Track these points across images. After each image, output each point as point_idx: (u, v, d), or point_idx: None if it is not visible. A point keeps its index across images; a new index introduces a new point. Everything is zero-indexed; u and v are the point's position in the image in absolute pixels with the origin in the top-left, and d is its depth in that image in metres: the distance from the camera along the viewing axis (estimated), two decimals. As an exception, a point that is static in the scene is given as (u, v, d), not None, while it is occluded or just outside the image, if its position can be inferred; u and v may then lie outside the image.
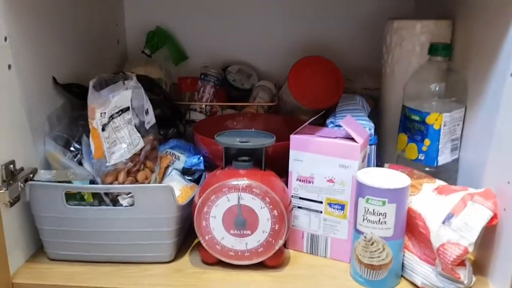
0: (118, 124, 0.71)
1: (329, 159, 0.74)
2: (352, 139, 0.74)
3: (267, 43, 1.22)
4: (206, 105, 1.08)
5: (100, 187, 0.71)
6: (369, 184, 0.68)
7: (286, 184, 0.77)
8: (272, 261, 0.74)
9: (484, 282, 0.72)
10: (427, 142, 0.83)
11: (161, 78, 1.12)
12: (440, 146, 0.82)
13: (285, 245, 0.79)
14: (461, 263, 0.68)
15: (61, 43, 0.87)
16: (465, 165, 0.86)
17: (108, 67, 1.12)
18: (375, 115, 0.97)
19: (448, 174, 0.86)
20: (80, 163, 0.79)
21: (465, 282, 0.68)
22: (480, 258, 0.76)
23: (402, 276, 0.73)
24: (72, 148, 0.81)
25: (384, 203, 0.67)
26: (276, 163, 0.78)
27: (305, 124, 0.78)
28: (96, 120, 0.67)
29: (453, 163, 0.86)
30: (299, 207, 0.78)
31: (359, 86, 1.14)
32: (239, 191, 0.71)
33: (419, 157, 0.84)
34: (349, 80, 1.14)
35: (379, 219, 0.68)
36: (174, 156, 0.86)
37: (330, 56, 1.04)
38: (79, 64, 0.94)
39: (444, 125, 0.81)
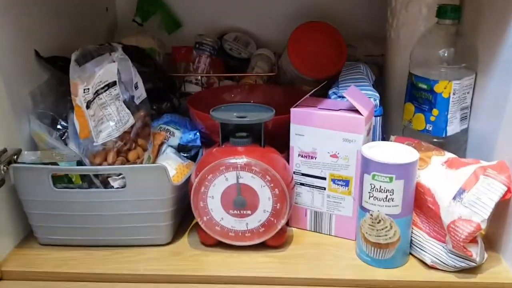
0: (105, 100, 0.66)
1: (332, 133, 0.70)
2: (357, 111, 0.69)
3: (266, 9, 1.15)
4: (202, 77, 1.03)
5: (88, 169, 0.67)
6: (375, 159, 0.63)
7: (287, 160, 0.73)
8: (274, 241, 0.71)
9: (496, 259, 0.69)
10: (435, 112, 0.78)
11: (154, 48, 1.06)
12: (449, 116, 0.78)
13: (287, 223, 0.75)
14: (473, 240, 0.64)
15: (43, 12, 0.81)
16: (474, 135, 0.81)
17: (97, 38, 1.06)
18: (379, 84, 0.92)
19: (456, 145, 0.82)
20: (67, 143, 0.74)
21: (477, 259, 0.65)
22: (491, 234, 0.72)
23: (410, 253, 0.69)
24: (59, 126, 0.76)
25: (391, 179, 0.63)
26: (275, 138, 0.74)
27: (306, 96, 0.73)
28: (79, 97, 0.62)
29: (462, 134, 0.82)
30: (301, 184, 0.74)
31: (361, 53, 1.08)
32: (237, 169, 0.67)
33: (427, 128, 0.79)
34: (351, 46, 1.08)
35: (386, 196, 0.64)
36: (168, 132, 0.82)
37: (331, 21, 0.98)
38: (64, 35, 0.88)
39: (454, 94, 0.77)
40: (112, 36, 1.11)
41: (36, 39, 0.79)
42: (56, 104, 0.79)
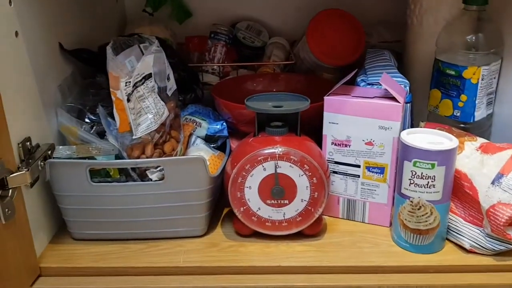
0: (142, 93, 0.65)
1: (368, 121, 0.70)
2: (391, 98, 0.69)
3: (277, -4, 1.15)
4: (219, 66, 1.02)
5: (128, 162, 0.66)
6: (417, 146, 0.64)
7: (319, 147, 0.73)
8: (311, 229, 0.71)
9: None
10: (463, 97, 0.78)
11: (168, 39, 1.04)
12: (477, 102, 0.78)
13: (320, 212, 0.75)
14: (511, 223, 0.65)
15: (63, 5, 0.79)
16: (500, 120, 0.82)
17: (108, 30, 1.04)
18: (399, 69, 0.92)
19: (482, 130, 0.82)
20: (98, 135, 0.73)
21: (515, 242, 0.66)
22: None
23: (446, 239, 0.70)
24: (86, 120, 0.75)
25: (433, 166, 0.63)
26: (304, 125, 0.74)
27: (339, 84, 0.73)
28: (120, 90, 0.61)
29: (487, 118, 0.83)
30: (334, 172, 0.74)
31: (376, 39, 1.08)
32: (275, 159, 0.66)
33: (455, 113, 0.80)
34: (365, 33, 1.08)
35: (428, 182, 0.64)
36: (195, 123, 0.81)
37: (344, 8, 0.97)
38: (80, 28, 0.86)
39: (482, 79, 0.77)
40: (123, 28, 1.09)
41: (58, 32, 0.77)
42: (81, 96, 0.78)
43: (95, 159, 0.67)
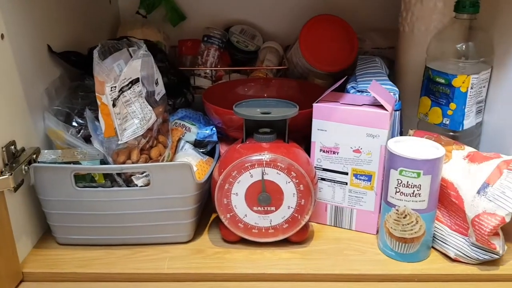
0: (129, 97, 0.64)
1: (356, 128, 0.69)
2: (380, 106, 0.69)
3: (271, 1, 1.14)
4: (211, 70, 1.01)
5: (113, 167, 0.65)
6: (403, 154, 0.63)
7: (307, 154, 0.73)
8: (297, 236, 0.71)
9: (515, 250, 0.70)
10: (453, 106, 0.78)
11: (160, 42, 1.04)
12: (466, 110, 0.78)
13: (307, 219, 0.75)
14: (496, 233, 0.65)
15: (52, 6, 0.79)
16: (489, 129, 0.82)
17: (101, 32, 1.04)
18: (389, 76, 0.92)
19: (471, 138, 0.82)
20: (85, 139, 0.73)
21: (500, 252, 0.65)
22: (508, 225, 0.73)
23: (432, 247, 0.70)
24: (74, 123, 0.74)
25: (419, 174, 0.63)
26: (293, 132, 0.73)
27: (328, 91, 0.73)
28: (106, 95, 0.60)
29: (476, 127, 0.82)
30: (322, 179, 0.74)
31: (369, 46, 1.08)
32: (263, 166, 0.66)
33: (444, 122, 0.80)
34: (358, 39, 1.08)
35: (413, 191, 0.64)
36: (184, 128, 0.81)
37: (336, 13, 0.97)
38: (71, 30, 0.86)
39: (471, 88, 0.77)
40: (115, 30, 1.09)
41: (46, 35, 0.77)
42: (69, 99, 0.77)
43: (81, 163, 0.66)
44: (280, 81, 0.95)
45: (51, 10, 0.78)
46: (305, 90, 0.91)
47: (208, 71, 1.02)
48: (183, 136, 0.79)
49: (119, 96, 0.62)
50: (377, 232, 0.73)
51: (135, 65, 0.64)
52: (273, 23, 1.15)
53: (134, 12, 1.12)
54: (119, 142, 0.64)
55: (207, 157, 0.78)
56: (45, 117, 0.73)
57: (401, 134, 0.78)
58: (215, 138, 0.81)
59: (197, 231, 0.73)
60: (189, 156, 0.74)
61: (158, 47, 0.90)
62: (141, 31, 1.04)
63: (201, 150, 0.81)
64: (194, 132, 0.81)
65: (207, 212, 0.77)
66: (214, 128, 0.81)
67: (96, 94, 0.62)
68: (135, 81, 0.65)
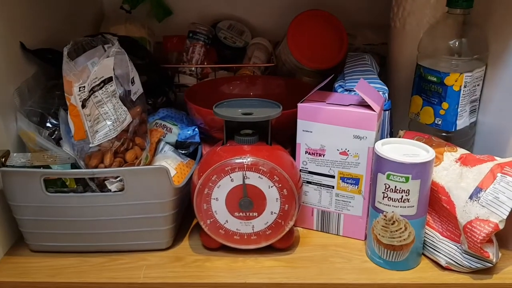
0: (101, 98, 0.61)
1: (342, 130, 0.66)
2: (367, 106, 0.65)
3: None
4: (197, 67, 0.98)
5: (84, 172, 0.62)
6: (390, 158, 0.60)
7: (292, 156, 0.69)
8: (282, 243, 0.67)
9: (509, 257, 0.67)
10: (445, 105, 0.75)
11: (144, 37, 1.01)
12: (459, 110, 0.75)
13: (293, 224, 0.71)
14: (489, 240, 0.62)
15: (27, 1, 0.75)
16: (484, 129, 0.79)
17: (83, 28, 1.00)
18: (381, 74, 0.88)
19: (464, 139, 0.79)
20: (58, 142, 0.69)
21: (494, 260, 0.62)
22: (503, 231, 0.70)
23: (422, 254, 0.67)
24: (48, 124, 0.71)
25: (407, 179, 0.60)
26: (279, 133, 0.70)
27: (314, 90, 0.69)
28: (74, 96, 0.57)
29: (470, 127, 0.79)
30: (308, 182, 0.71)
31: (361, 42, 1.04)
32: (244, 169, 0.63)
33: (436, 122, 0.77)
34: (350, 35, 1.04)
35: (402, 196, 0.61)
36: (165, 129, 0.77)
37: (326, 8, 0.94)
38: (49, 25, 0.82)
39: (465, 86, 0.74)
40: (99, 25, 1.05)
41: (20, 31, 0.73)
42: (44, 99, 0.74)
43: (51, 167, 0.63)
44: (266, 79, 0.92)
45: (25, 3, 0.75)
46: (293, 88, 0.87)
47: (193, 68, 0.98)
48: (163, 137, 0.76)
49: (89, 96, 0.59)
50: (365, 238, 0.70)
51: (108, 63, 0.61)
52: (262, 18, 1.11)
53: (118, 7, 1.08)
54: (91, 145, 0.61)
55: (188, 159, 0.75)
56: (17, 118, 0.69)
57: (391, 134, 0.75)
58: (197, 139, 0.77)
59: (177, 237, 0.70)
60: (168, 159, 0.71)
61: (139, 44, 0.86)
62: (125, 27, 1.01)
63: (183, 152, 0.77)
64: (175, 132, 0.77)
65: (188, 217, 0.74)
66: (196, 129, 0.77)
67: (65, 94, 0.58)
68: (108, 80, 0.62)
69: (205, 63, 1.01)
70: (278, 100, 0.70)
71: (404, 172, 0.60)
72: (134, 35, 0.98)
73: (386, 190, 0.61)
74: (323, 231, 0.73)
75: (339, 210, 0.71)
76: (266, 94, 0.88)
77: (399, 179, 0.60)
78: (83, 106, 0.58)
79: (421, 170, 0.60)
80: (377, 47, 1.03)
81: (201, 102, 0.77)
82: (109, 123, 0.61)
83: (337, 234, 0.72)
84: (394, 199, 0.61)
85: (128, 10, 1.08)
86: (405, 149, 0.63)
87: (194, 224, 0.74)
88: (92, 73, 0.58)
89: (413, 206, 0.61)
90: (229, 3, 1.11)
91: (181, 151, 0.77)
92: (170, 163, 0.70)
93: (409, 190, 0.60)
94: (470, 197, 0.62)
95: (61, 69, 0.77)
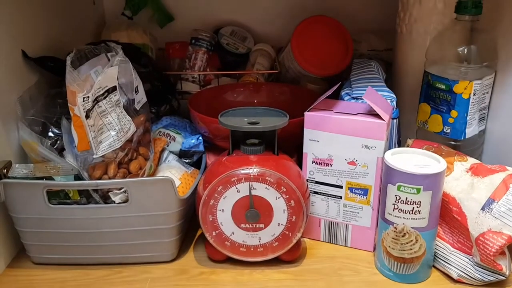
0: (104, 108, 0.60)
1: (351, 139, 0.65)
2: (376, 114, 0.64)
3: (262, 2, 1.09)
4: (200, 74, 0.97)
5: (87, 183, 0.60)
6: (401, 169, 0.59)
7: (298, 166, 0.68)
8: (289, 255, 0.66)
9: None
10: (454, 113, 0.74)
11: (146, 44, 0.99)
12: (468, 118, 0.74)
13: (299, 235, 0.70)
14: (502, 253, 0.61)
15: (29, 9, 0.74)
16: (493, 137, 0.78)
17: (84, 35, 0.99)
18: (387, 80, 0.87)
19: (473, 147, 0.78)
20: (61, 151, 0.68)
21: (507, 273, 0.61)
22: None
23: (433, 266, 0.65)
24: (50, 133, 0.70)
25: (418, 190, 0.59)
26: (284, 141, 0.69)
27: (321, 98, 0.68)
28: (78, 106, 0.55)
29: (479, 135, 0.78)
30: (315, 192, 0.69)
31: (365, 48, 1.03)
32: (250, 180, 0.61)
33: (445, 130, 0.75)
34: (354, 41, 1.03)
35: (413, 208, 0.60)
36: (169, 137, 0.76)
37: (330, 14, 0.93)
38: (51, 33, 0.81)
39: (474, 94, 0.72)
40: (100, 32, 1.04)
41: (21, 39, 0.72)
42: (46, 108, 0.73)
43: (54, 179, 0.62)
44: (271, 86, 0.91)
45: (27, 11, 0.73)
46: (298, 95, 0.86)
47: (196, 75, 0.97)
48: (167, 146, 0.75)
49: (93, 106, 0.58)
50: (374, 249, 0.69)
51: (112, 72, 0.59)
52: (265, 24, 1.10)
53: (119, 14, 1.07)
54: (94, 156, 0.59)
55: (193, 168, 0.73)
56: (19, 127, 0.68)
57: (399, 143, 0.74)
58: (201, 148, 0.76)
59: (182, 249, 0.69)
60: (172, 169, 0.69)
61: (142, 51, 0.85)
62: (127, 33, 0.99)
63: (187, 161, 0.76)
64: (179, 141, 0.76)
65: (192, 228, 0.73)
66: (200, 137, 0.76)
67: (69, 105, 0.57)
68: (112, 90, 0.60)
69: (208, 70, 1.00)
70: (283, 107, 0.68)
71: (415, 184, 0.58)
72: (136, 42, 0.97)
73: (397, 201, 0.60)
74: (330, 242, 0.71)
75: (347, 221, 0.69)
76: (270, 101, 0.87)
77: (410, 190, 0.59)
78: (87, 116, 0.57)
79: (432, 181, 0.59)
80: (382, 53, 1.02)
81: (204, 110, 0.76)
82: (113, 133, 0.60)
83: (344, 245, 0.71)
84: (405, 211, 0.60)
85: (129, 17, 1.07)
86: (415, 159, 0.62)
87: (199, 235, 0.72)
88: (96, 83, 0.57)
89: (424, 218, 0.60)
90: (231, 9, 1.10)
91: (184, 160, 0.76)
92: (175, 173, 0.69)
93: (420, 202, 0.59)
94: (483, 209, 0.60)
95: (63, 77, 0.75)
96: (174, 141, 0.76)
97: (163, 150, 0.73)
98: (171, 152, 0.75)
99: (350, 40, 0.91)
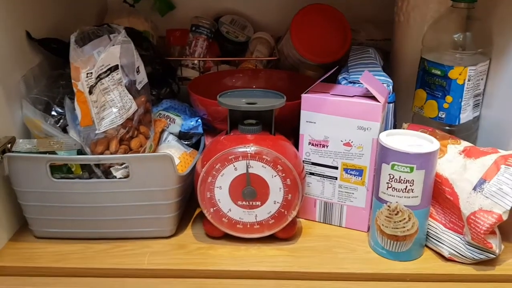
0: (107, 85, 0.61)
1: (347, 121, 0.66)
2: (372, 97, 0.66)
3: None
4: (199, 61, 0.98)
5: (90, 158, 0.62)
6: (395, 148, 0.60)
7: (296, 148, 0.70)
8: (284, 233, 0.68)
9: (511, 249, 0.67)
10: (449, 98, 0.75)
11: (147, 31, 1.01)
12: (463, 103, 0.75)
13: (295, 215, 0.72)
14: (492, 232, 0.62)
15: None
16: (487, 123, 0.79)
17: (87, 20, 1.01)
18: (385, 68, 0.89)
19: (467, 133, 0.79)
20: (63, 129, 0.69)
21: (497, 251, 0.63)
22: (505, 223, 0.70)
23: (425, 245, 0.67)
24: (53, 112, 0.71)
25: (412, 169, 0.60)
26: (281, 124, 0.70)
27: (318, 82, 0.70)
28: (81, 82, 0.57)
29: (474, 121, 0.79)
30: (311, 173, 0.71)
31: (364, 37, 1.05)
32: (247, 158, 0.63)
33: (440, 115, 0.77)
34: (353, 30, 1.05)
35: (406, 187, 0.61)
36: (168, 119, 0.78)
37: (330, 3, 0.94)
38: (55, 17, 0.83)
39: (469, 80, 0.74)
40: (102, 18, 1.06)
41: (25, 20, 0.73)
42: (49, 88, 0.74)
43: (57, 153, 0.63)
44: (269, 72, 0.92)
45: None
46: (296, 82, 0.87)
47: (196, 61, 0.99)
48: (167, 128, 0.76)
49: (96, 83, 0.59)
50: (368, 229, 0.70)
51: (114, 51, 0.61)
52: (265, 13, 1.11)
53: (121, 1, 1.08)
54: (97, 132, 0.61)
55: (191, 149, 0.75)
56: (22, 105, 0.69)
57: (395, 127, 0.75)
58: (200, 130, 0.77)
59: (180, 226, 0.70)
60: (172, 148, 0.71)
61: (143, 36, 0.86)
62: (128, 20, 1.01)
63: (186, 142, 0.77)
64: (178, 123, 0.77)
65: (191, 206, 0.74)
66: (199, 120, 0.78)
67: (72, 80, 0.58)
68: (114, 68, 0.62)
69: (207, 57, 1.01)
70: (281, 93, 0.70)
71: (408, 162, 0.60)
72: (137, 29, 0.98)
73: (391, 180, 0.62)
74: (325, 223, 0.73)
75: (342, 202, 0.71)
76: (268, 88, 0.87)
77: (403, 169, 0.60)
78: (90, 92, 0.58)
79: (425, 160, 0.60)
80: (380, 43, 1.04)
81: (204, 94, 0.77)
82: (115, 110, 0.62)
83: (339, 226, 0.72)
84: (398, 189, 0.62)
85: (131, 4, 1.08)
86: (409, 140, 0.63)
87: (197, 214, 0.74)
88: (99, 61, 0.58)
89: (417, 197, 0.62)
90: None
91: (184, 142, 0.77)
92: (174, 152, 0.70)
93: (413, 181, 0.61)
94: (474, 189, 0.62)
95: (66, 59, 0.77)
96: (174, 123, 0.78)
97: (163, 131, 0.75)
98: (170, 133, 0.76)
99: (348, 29, 0.92)
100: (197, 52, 1.00)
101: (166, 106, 0.80)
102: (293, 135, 0.75)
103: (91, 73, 0.57)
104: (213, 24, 1.03)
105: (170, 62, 0.93)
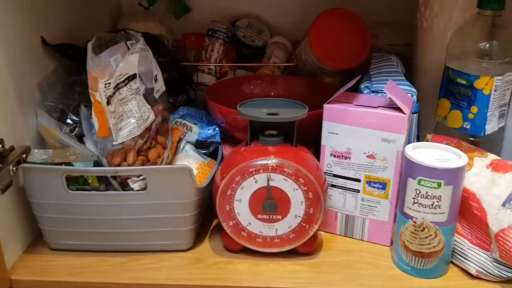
0: (125, 95, 0.59)
1: (370, 132, 0.64)
2: (396, 108, 0.64)
3: (279, -6, 1.09)
4: (216, 66, 0.96)
5: (107, 170, 0.61)
6: (422, 163, 0.58)
7: (316, 158, 0.68)
8: (305, 247, 0.66)
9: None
10: (474, 109, 0.73)
11: (163, 35, 0.99)
12: (488, 114, 0.73)
13: (315, 227, 0.70)
14: (521, 249, 0.60)
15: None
16: (512, 134, 0.77)
17: (101, 24, 0.99)
18: (405, 75, 0.86)
19: (492, 144, 0.77)
20: (79, 138, 0.68)
21: (526, 270, 0.60)
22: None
23: (450, 262, 0.65)
24: (68, 121, 0.70)
25: (439, 185, 0.58)
26: (302, 134, 0.68)
27: (341, 90, 0.67)
28: (99, 92, 0.55)
29: (499, 132, 0.77)
30: (332, 186, 0.69)
31: (383, 42, 1.02)
32: (268, 171, 0.61)
33: (464, 126, 0.75)
34: (372, 35, 1.02)
35: (433, 202, 0.59)
36: (185, 127, 0.76)
37: (349, 8, 0.92)
38: (68, 21, 0.81)
39: (495, 90, 0.72)
40: (117, 22, 1.04)
41: (40, 26, 0.72)
42: (64, 95, 0.73)
43: (73, 165, 0.62)
44: (287, 78, 0.90)
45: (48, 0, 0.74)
46: (314, 88, 0.85)
47: (212, 67, 0.97)
48: (184, 136, 0.75)
49: (114, 93, 0.57)
50: (391, 244, 0.68)
51: (132, 60, 0.59)
52: (282, 17, 1.09)
53: (136, 4, 1.07)
54: (114, 143, 0.59)
55: (209, 159, 0.73)
56: (37, 113, 0.68)
57: (418, 138, 0.73)
58: (218, 138, 0.76)
59: (198, 238, 0.69)
60: (189, 158, 0.69)
61: (159, 41, 0.85)
62: (143, 24, 0.99)
63: (203, 151, 0.76)
64: (195, 132, 0.76)
65: (208, 218, 0.72)
66: (217, 128, 0.76)
67: (90, 90, 0.57)
68: (132, 77, 0.60)
69: (224, 62, 1.00)
70: (300, 100, 0.68)
71: (436, 178, 0.58)
72: (152, 32, 0.97)
73: (417, 195, 0.60)
74: (346, 236, 0.71)
75: (364, 215, 0.69)
76: (287, 94, 0.86)
77: (431, 184, 0.58)
78: (108, 103, 0.56)
79: (454, 175, 0.58)
80: (399, 48, 1.01)
81: (221, 101, 0.76)
82: (133, 120, 0.60)
83: (361, 239, 0.70)
84: (425, 205, 0.59)
85: (146, 7, 1.07)
86: (436, 154, 0.61)
87: (214, 225, 0.72)
88: (117, 70, 0.57)
89: (444, 213, 0.60)
90: (248, 1, 1.09)
91: (201, 151, 0.76)
92: (192, 162, 0.69)
93: (440, 196, 0.59)
94: (503, 205, 0.60)
95: (81, 65, 0.76)
96: (191, 131, 0.76)
97: (180, 139, 0.73)
98: (188, 142, 0.75)
99: (368, 34, 0.90)
100: (213, 57, 0.98)
101: (182, 114, 0.79)
102: (314, 145, 0.73)
103: (109, 83, 0.56)
104: (230, 29, 1.01)
105: (186, 68, 0.92)
